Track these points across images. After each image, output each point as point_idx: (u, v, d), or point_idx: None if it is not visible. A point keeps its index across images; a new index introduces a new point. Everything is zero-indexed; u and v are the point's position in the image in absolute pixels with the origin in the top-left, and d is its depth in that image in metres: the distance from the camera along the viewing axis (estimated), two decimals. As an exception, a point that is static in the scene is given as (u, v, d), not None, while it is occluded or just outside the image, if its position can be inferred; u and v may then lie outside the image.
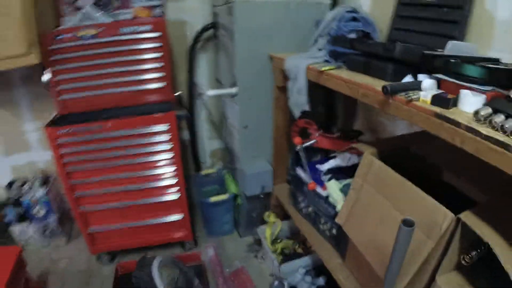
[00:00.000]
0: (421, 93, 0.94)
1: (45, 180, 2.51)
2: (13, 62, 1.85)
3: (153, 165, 2.06)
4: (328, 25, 1.57)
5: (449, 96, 0.90)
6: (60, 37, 1.90)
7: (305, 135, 1.86)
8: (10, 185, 2.53)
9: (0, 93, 2.40)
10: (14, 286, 1.76)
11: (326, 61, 1.55)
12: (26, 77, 2.37)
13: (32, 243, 2.54)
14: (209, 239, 2.52)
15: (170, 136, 1.99)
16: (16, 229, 2.49)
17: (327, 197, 1.70)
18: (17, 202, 2.43)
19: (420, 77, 1.02)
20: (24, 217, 2.46)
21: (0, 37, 1.78)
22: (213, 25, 2.35)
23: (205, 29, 2.36)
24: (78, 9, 2.16)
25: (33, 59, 1.85)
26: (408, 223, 0.86)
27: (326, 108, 2.29)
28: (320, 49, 1.62)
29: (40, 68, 1.98)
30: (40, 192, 2.39)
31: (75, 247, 2.56)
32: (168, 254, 1.99)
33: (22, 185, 2.49)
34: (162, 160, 2.05)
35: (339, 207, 1.57)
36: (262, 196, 2.30)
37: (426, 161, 1.25)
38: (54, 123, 1.91)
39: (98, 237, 2.23)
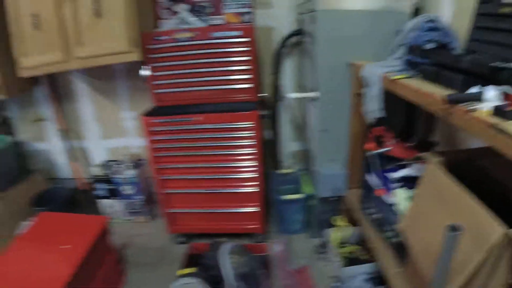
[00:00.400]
0: (482, 104, 1.02)
1: (136, 164, 2.92)
2: (118, 58, 2.25)
3: (235, 158, 2.32)
4: (407, 34, 1.67)
5: (510, 108, 0.97)
6: (159, 37, 2.25)
7: (380, 143, 1.96)
8: (105, 164, 3.00)
9: (104, 84, 2.89)
10: (97, 249, 2.13)
11: (402, 70, 1.64)
12: (127, 71, 2.80)
13: (117, 217, 2.99)
14: (279, 235, 2.69)
15: (253, 134, 2.23)
16: (105, 203, 2.97)
17: (393, 204, 1.78)
18: (109, 180, 2.88)
19: (487, 88, 1.09)
20: (114, 193, 2.92)
21: (107, 35, 2.18)
22: (298, 32, 2.53)
23: (290, 35, 2.55)
24: (175, 13, 2.51)
25: (135, 56, 2.22)
26: (453, 229, 0.92)
27: (405, 118, 2.34)
28: (397, 58, 1.71)
29: (140, 64, 2.34)
30: (131, 173, 2.81)
31: (154, 226, 2.94)
32: (237, 242, 2.22)
33: (116, 165, 2.93)
34: (244, 154, 2.30)
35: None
36: (334, 199, 2.42)
37: (492, 176, 1.29)
38: (149, 113, 2.26)
39: (176, 218, 2.55)
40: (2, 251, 2.13)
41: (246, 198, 2.42)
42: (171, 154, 2.31)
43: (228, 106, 2.27)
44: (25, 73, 2.47)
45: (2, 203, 2.92)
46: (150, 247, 2.72)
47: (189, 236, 2.69)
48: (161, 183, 2.39)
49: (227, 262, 1.99)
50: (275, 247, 2.47)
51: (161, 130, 2.23)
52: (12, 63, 2.51)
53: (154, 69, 2.31)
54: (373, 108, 1.74)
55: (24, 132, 3.40)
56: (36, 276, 1.94)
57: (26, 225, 2.82)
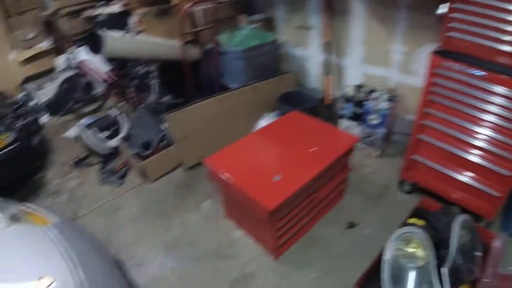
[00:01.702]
0: None
1: (390, 98, 3.07)
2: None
3: (509, 133, 2.22)
4: None
5: None
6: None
7: None
8: (359, 87, 3.27)
9: (383, 10, 3.02)
10: (338, 163, 2.49)
11: None
12: (412, 2, 2.83)
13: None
14: (501, 231, 2.57)
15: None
16: (346, 124, 3.33)
17: None
18: (359, 104, 3.16)
19: None
20: (358, 118, 3.23)
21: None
22: None
23: None
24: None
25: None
26: None
27: None
28: None
29: (434, 0, 2.39)
30: (383, 104, 3.01)
31: (383, 163, 3.20)
32: (471, 218, 2.20)
33: (370, 92, 3.17)
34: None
35: None
36: None
37: None
38: (438, 53, 2.31)
39: (415, 167, 2.70)
40: (247, 134, 2.71)
41: (496, 179, 2.36)
42: (443, 102, 2.37)
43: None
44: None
45: (254, 91, 3.59)
46: (374, 181, 3.00)
47: (416, 189, 2.81)
48: (419, 127, 2.51)
49: (457, 232, 2.06)
50: (495, 241, 2.46)
51: (444, 75, 2.28)
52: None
53: (453, 10, 2.27)
54: None
55: (286, 35, 3.94)
56: (285, 163, 2.42)
57: (270, 117, 3.45)
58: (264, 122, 3.41)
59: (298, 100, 3.54)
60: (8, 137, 3.24)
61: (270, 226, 2.24)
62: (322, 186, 2.47)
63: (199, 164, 3.41)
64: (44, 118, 4.84)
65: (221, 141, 2.72)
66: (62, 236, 1.66)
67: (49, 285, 1.35)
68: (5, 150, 3.18)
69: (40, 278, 1.37)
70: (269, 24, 4.03)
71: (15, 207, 1.87)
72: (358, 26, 3.26)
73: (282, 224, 2.29)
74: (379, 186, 2.96)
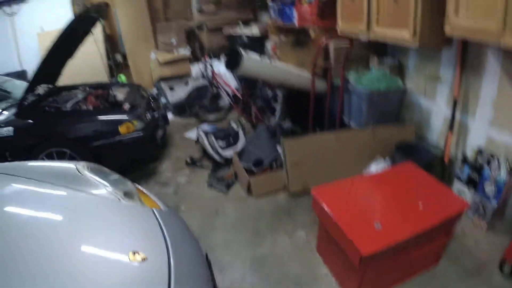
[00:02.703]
0: None
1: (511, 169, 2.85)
2: None
3: None
4: None
5: None
6: None
7: None
8: (480, 150, 3.12)
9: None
10: (441, 227, 2.39)
11: None
12: None
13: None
14: None
15: None
16: (458, 187, 3.23)
17: None
18: (478, 168, 3.05)
19: None
20: (472, 183, 3.11)
21: None
22: None
23: None
24: None
25: None
26: None
27: None
28: None
29: None
30: (503, 175, 2.85)
31: (490, 238, 3.00)
32: None
33: (490, 158, 3.01)
34: None
35: None
36: None
37: None
38: None
39: None
40: (356, 174, 2.83)
41: None
42: None
43: None
44: (450, 32, 2.56)
45: (373, 135, 3.64)
46: (473, 254, 2.84)
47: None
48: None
49: None
50: None
51: None
52: (433, 14, 2.68)
53: None
54: None
55: (413, 82, 3.94)
56: (389, 213, 2.44)
57: (382, 163, 3.46)
58: (375, 166, 3.46)
59: (414, 152, 3.52)
60: (137, 124, 3.72)
61: (357, 271, 2.27)
62: (420, 245, 2.44)
63: (302, 193, 3.56)
64: (170, 116, 5.38)
65: (329, 175, 2.84)
66: (165, 222, 1.84)
67: (141, 260, 1.52)
68: (132, 135, 3.69)
69: (134, 252, 1.51)
70: (398, 69, 4.06)
71: (130, 186, 2.12)
72: (490, 85, 3.09)
73: (369, 273, 2.31)
74: (478, 262, 2.79)
